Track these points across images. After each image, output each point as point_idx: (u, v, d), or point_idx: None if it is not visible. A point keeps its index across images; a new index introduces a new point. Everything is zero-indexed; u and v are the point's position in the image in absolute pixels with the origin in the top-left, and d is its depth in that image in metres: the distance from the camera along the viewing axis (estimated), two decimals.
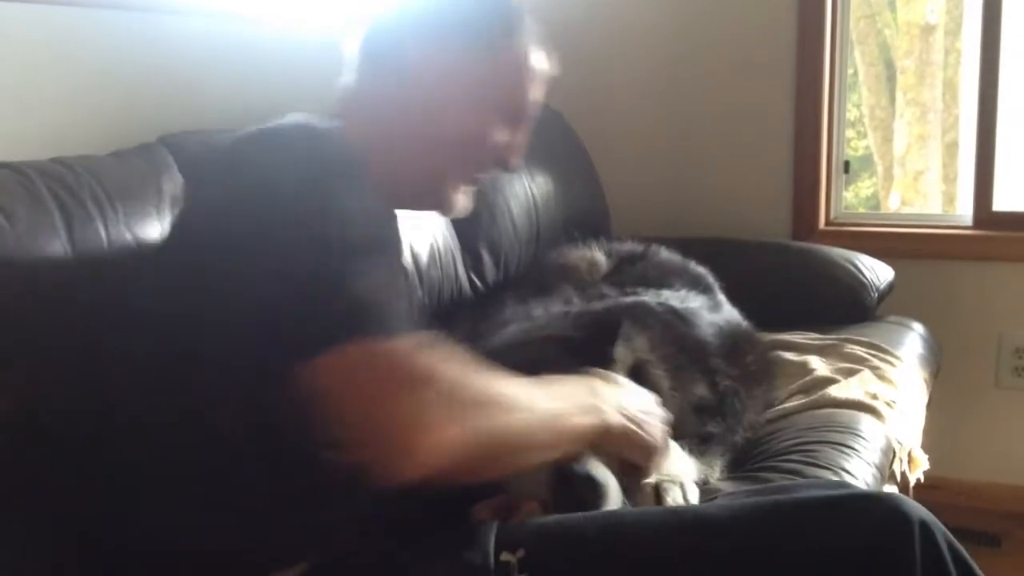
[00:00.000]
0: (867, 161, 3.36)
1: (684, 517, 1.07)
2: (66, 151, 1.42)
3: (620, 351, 1.35)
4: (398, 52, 1.26)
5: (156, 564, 1.07)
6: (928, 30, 3.31)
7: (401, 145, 1.23)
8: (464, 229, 2.11)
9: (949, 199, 3.21)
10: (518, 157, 1.33)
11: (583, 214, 2.55)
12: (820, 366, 1.98)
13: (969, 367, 2.62)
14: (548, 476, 1.15)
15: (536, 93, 1.31)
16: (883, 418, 1.77)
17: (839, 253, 2.43)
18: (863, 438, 1.65)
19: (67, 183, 1.32)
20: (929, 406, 2.16)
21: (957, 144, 3.11)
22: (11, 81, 1.51)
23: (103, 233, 1.31)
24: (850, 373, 1.94)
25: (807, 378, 1.92)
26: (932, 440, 2.08)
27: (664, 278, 1.88)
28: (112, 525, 1.13)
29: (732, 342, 1.68)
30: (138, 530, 1.09)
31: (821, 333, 2.20)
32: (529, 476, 1.16)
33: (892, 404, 1.84)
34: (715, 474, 1.48)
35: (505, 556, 1.00)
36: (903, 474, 1.79)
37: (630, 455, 1.22)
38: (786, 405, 1.81)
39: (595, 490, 1.14)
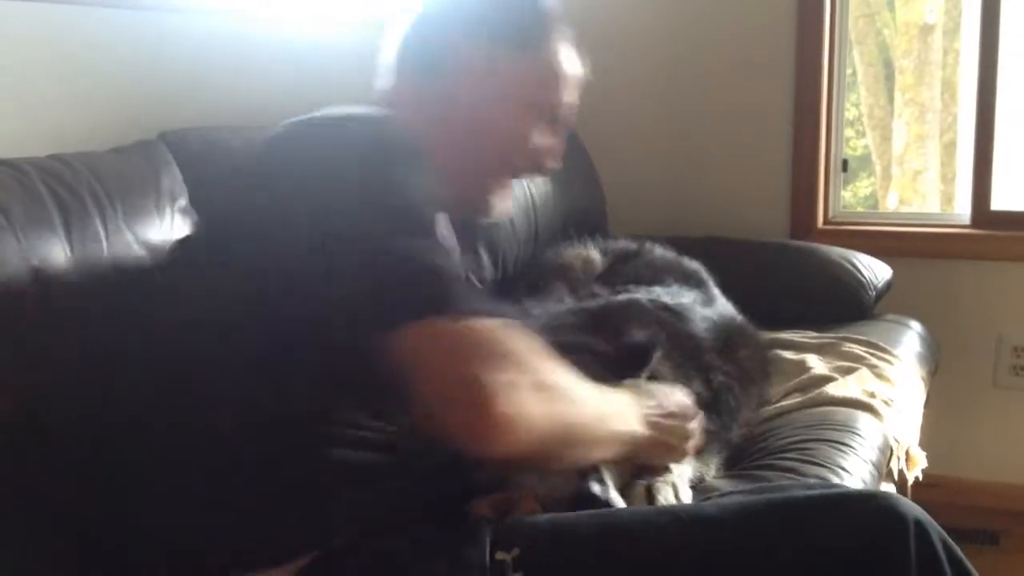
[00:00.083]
0: (865, 160, 3.36)
1: (679, 516, 1.08)
2: (66, 149, 1.42)
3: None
4: (437, 56, 1.28)
5: (156, 563, 1.08)
6: (927, 30, 3.31)
7: (441, 148, 1.23)
8: (461, 229, 2.11)
9: (947, 198, 3.21)
10: (555, 159, 1.35)
11: (582, 213, 2.55)
12: (818, 364, 1.98)
13: (967, 366, 2.63)
14: (567, 493, 1.16)
15: (572, 95, 1.33)
16: (881, 416, 1.77)
17: (837, 252, 2.44)
18: (860, 436, 1.66)
19: (65, 180, 1.31)
20: (927, 405, 2.17)
21: (955, 143, 3.11)
22: (11, 79, 1.51)
23: (101, 230, 1.31)
24: (848, 371, 1.94)
25: (805, 376, 1.92)
26: (930, 439, 2.09)
27: (657, 275, 1.88)
28: (112, 525, 1.13)
29: (726, 336, 1.68)
30: (138, 530, 1.09)
31: (819, 332, 2.20)
32: (528, 473, 1.17)
33: (890, 402, 1.84)
34: (711, 472, 1.48)
35: (500, 555, 1.00)
36: (901, 472, 1.79)
37: (657, 461, 1.27)
38: (783, 403, 1.81)
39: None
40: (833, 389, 1.84)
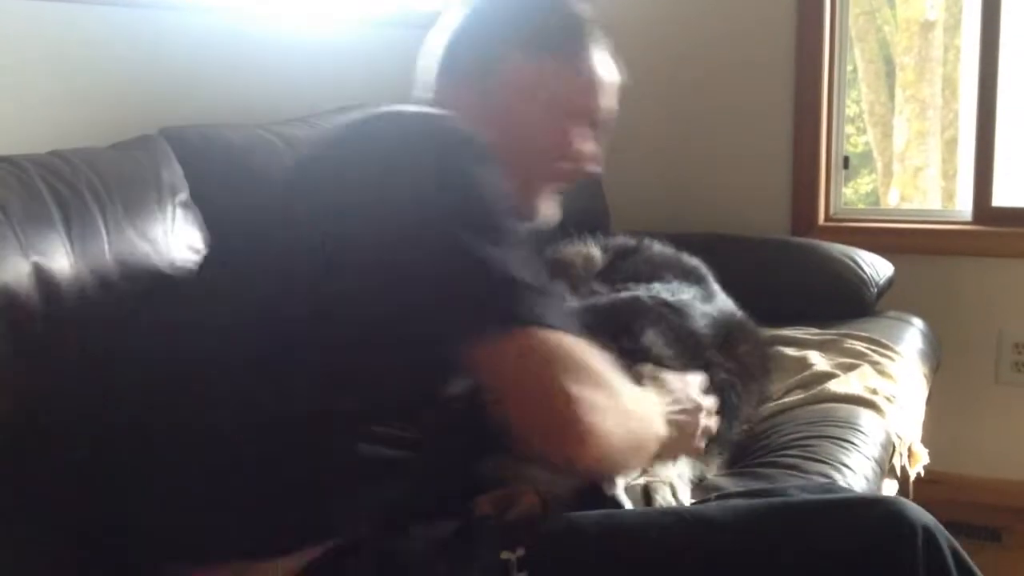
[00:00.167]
0: (866, 157, 3.36)
1: (684, 517, 1.07)
2: (65, 147, 1.42)
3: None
4: (481, 62, 1.29)
5: (156, 563, 1.07)
6: (927, 26, 3.31)
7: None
8: None
9: (948, 195, 3.21)
10: (597, 164, 1.38)
11: (582, 212, 2.54)
12: (820, 361, 1.98)
13: (969, 362, 2.62)
14: (568, 490, 1.16)
15: (611, 101, 1.36)
16: (883, 413, 1.77)
17: (839, 249, 2.43)
18: (863, 433, 1.65)
19: (63, 175, 1.30)
20: (929, 401, 2.16)
21: (956, 140, 3.11)
22: (11, 78, 1.51)
23: (102, 225, 1.30)
24: (850, 368, 1.94)
25: (806, 373, 1.92)
26: (932, 435, 2.09)
27: (656, 271, 1.88)
28: (112, 525, 1.13)
29: (726, 332, 1.68)
30: (138, 530, 1.09)
31: (821, 328, 2.20)
32: (529, 468, 1.16)
33: (892, 399, 1.84)
34: (712, 471, 1.47)
35: (505, 554, 1.00)
36: (903, 469, 1.79)
37: (667, 457, 1.29)
38: (785, 400, 1.81)
39: None
40: (835, 386, 1.84)
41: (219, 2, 1.94)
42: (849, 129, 2.96)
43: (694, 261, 2.01)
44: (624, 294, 1.73)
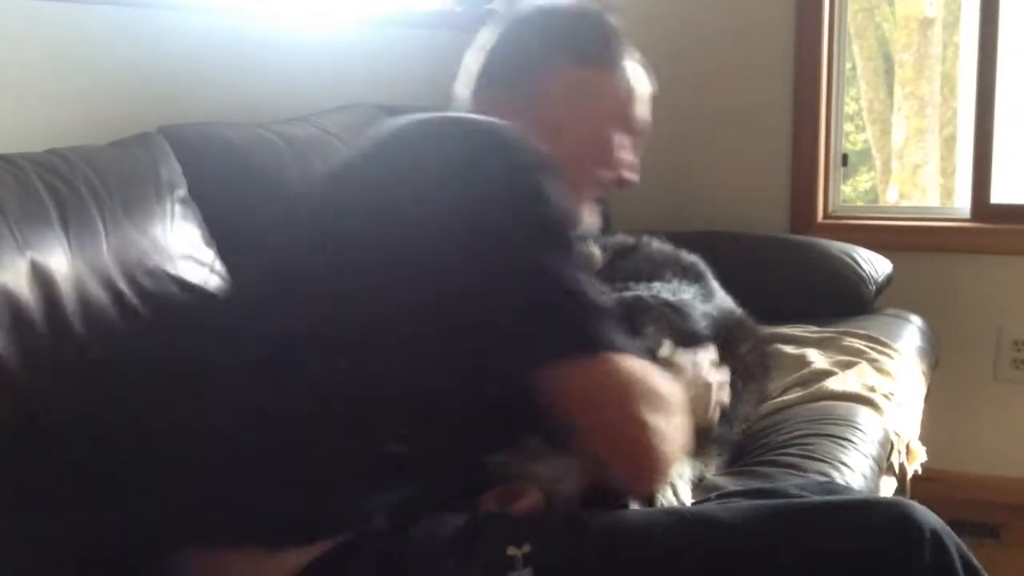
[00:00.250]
0: (865, 154, 3.36)
1: (686, 517, 1.07)
2: (64, 145, 1.41)
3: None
4: (521, 72, 1.33)
5: (156, 563, 1.08)
6: (926, 24, 3.31)
7: None
8: None
9: (947, 192, 3.21)
10: (635, 173, 1.42)
11: None
12: (818, 359, 1.98)
13: (967, 360, 2.63)
14: (574, 487, 1.16)
15: (645, 111, 1.41)
16: (881, 410, 1.77)
17: (837, 246, 2.43)
18: (861, 431, 1.65)
19: (61, 173, 1.30)
20: (927, 399, 2.16)
21: (955, 137, 3.11)
22: (11, 76, 1.51)
23: (100, 221, 1.29)
24: (848, 366, 1.94)
25: (805, 371, 1.92)
26: (930, 432, 2.09)
27: (656, 269, 1.88)
28: (112, 525, 1.13)
29: (726, 331, 1.68)
30: (138, 530, 1.09)
31: (819, 326, 2.20)
32: (533, 467, 1.16)
33: (890, 396, 1.84)
34: (711, 471, 1.48)
35: (511, 550, 1.00)
36: (901, 466, 1.79)
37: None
38: (783, 398, 1.81)
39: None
40: (833, 383, 1.84)
41: (219, 1, 1.93)
42: (848, 127, 2.97)
43: (692, 258, 2.01)
44: (627, 294, 1.72)
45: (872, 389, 1.83)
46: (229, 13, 1.95)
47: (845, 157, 2.79)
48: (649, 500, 1.25)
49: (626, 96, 1.38)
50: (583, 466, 1.15)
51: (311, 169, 1.74)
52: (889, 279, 2.44)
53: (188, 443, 1.07)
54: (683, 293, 1.76)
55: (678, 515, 1.08)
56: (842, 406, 1.75)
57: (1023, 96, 2.67)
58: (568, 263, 1.04)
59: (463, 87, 1.39)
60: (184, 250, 1.41)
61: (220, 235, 1.50)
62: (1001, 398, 2.65)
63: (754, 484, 1.39)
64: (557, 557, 1.01)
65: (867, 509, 1.03)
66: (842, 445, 1.58)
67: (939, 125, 3.28)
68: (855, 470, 1.52)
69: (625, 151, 1.39)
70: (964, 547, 1.00)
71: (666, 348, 1.37)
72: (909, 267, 2.54)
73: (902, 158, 3.35)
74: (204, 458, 1.06)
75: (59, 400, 1.19)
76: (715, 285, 1.92)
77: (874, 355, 2.01)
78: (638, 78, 1.40)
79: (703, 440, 1.41)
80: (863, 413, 1.73)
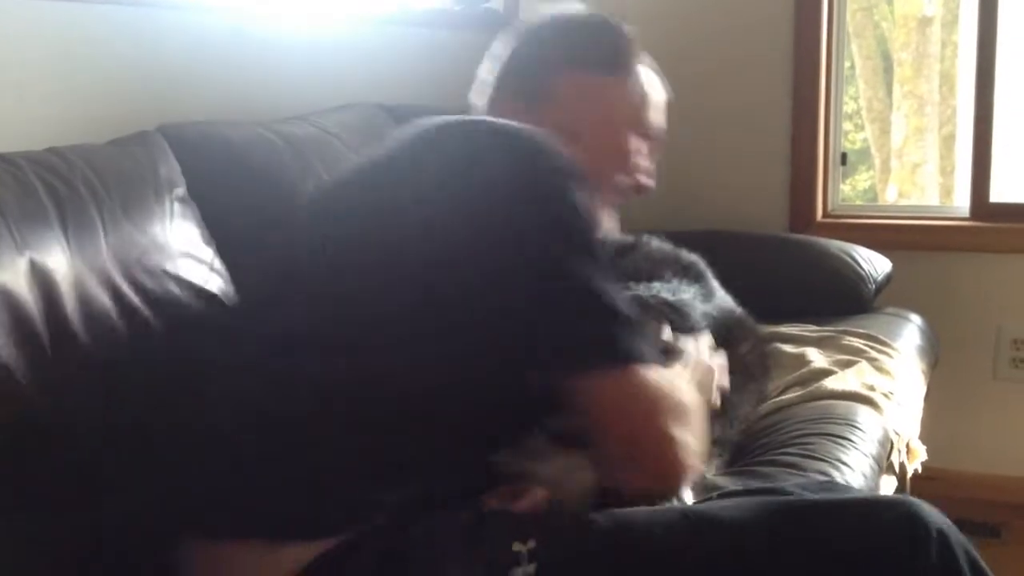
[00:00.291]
0: (864, 153, 3.36)
1: (691, 515, 1.07)
2: (64, 144, 1.41)
3: None
4: (539, 80, 1.35)
5: (156, 563, 1.08)
6: (925, 22, 3.31)
7: None
8: None
9: (946, 191, 3.22)
10: (651, 179, 1.44)
11: None
12: (818, 358, 1.98)
13: (967, 358, 2.63)
14: (583, 486, 1.16)
15: (660, 118, 1.43)
16: (881, 409, 1.77)
17: (836, 245, 2.43)
18: (861, 430, 1.65)
19: (59, 172, 1.30)
20: (927, 397, 2.16)
21: (954, 136, 3.11)
22: (11, 75, 1.51)
23: (98, 220, 1.29)
24: (847, 365, 1.94)
25: (804, 370, 1.92)
26: (930, 431, 2.09)
27: (655, 269, 1.87)
28: (112, 525, 1.13)
29: (726, 332, 1.68)
30: (138, 530, 1.09)
31: (819, 325, 2.20)
32: (537, 467, 1.16)
33: (890, 395, 1.84)
34: (711, 471, 1.47)
35: (516, 546, 1.00)
36: (901, 465, 1.79)
37: None
38: (783, 397, 1.81)
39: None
40: (832, 383, 1.84)
41: (219, 1, 1.93)
42: (847, 125, 2.97)
43: (692, 257, 2.01)
44: (627, 294, 1.72)
45: (872, 388, 1.83)
46: (229, 13, 1.95)
47: (844, 156, 2.79)
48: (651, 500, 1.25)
49: (641, 102, 1.39)
50: (587, 466, 1.15)
51: (311, 168, 1.74)
52: (888, 278, 2.44)
53: (188, 443, 1.07)
54: (683, 293, 1.75)
55: (680, 513, 1.07)
56: (842, 405, 1.75)
57: (1022, 95, 2.68)
58: (598, 271, 1.05)
59: (478, 97, 1.40)
60: (183, 249, 1.41)
61: (219, 234, 1.50)
62: (1000, 397, 2.65)
63: (754, 484, 1.39)
64: (561, 554, 1.01)
65: (873, 508, 1.02)
66: (842, 444, 1.58)
67: (938, 124, 3.28)
68: (855, 469, 1.52)
69: (642, 157, 1.41)
70: (970, 546, 0.99)
71: (667, 332, 1.38)
72: (908, 266, 2.54)
73: (901, 157, 3.36)
74: (204, 458, 1.06)
75: (59, 400, 1.19)
76: (715, 285, 1.92)
77: (874, 354, 2.01)
78: (653, 85, 1.42)
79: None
80: (863, 412, 1.73)
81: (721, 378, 1.38)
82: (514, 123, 1.15)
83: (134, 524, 1.10)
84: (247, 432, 1.05)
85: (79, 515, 1.15)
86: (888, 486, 1.73)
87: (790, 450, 1.55)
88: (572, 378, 1.02)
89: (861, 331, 2.14)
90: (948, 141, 3.18)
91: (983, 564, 0.99)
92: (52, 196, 1.26)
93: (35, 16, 1.55)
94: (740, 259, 2.23)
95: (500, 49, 1.40)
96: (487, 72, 1.40)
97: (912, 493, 1.77)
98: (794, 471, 1.46)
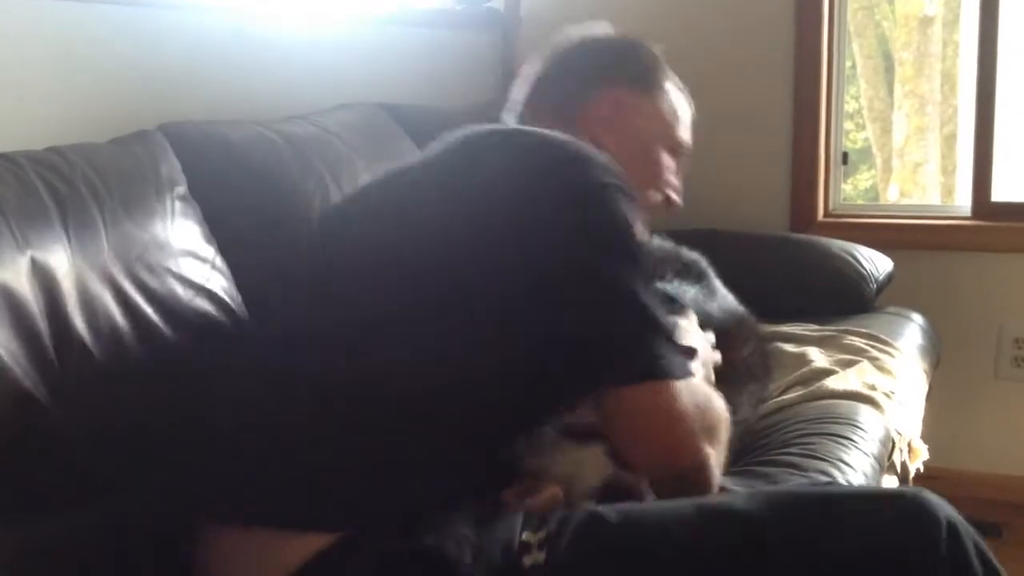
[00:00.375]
0: (866, 153, 3.36)
1: (703, 508, 1.07)
2: (65, 144, 1.41)
3: None
4: (573, 95, 1.37)
5: (156, 563, 1.08)
6: (926, 22, 3.31)
7: None
8: None
9: (948, 190, 3.21)
10: (680, 195, 1.46)
11: None
12: (819, 357, 1.98)
13: (969, 358, 2.62)
14: (595, 482, 1.16)
15: (688, 134, 1.47)
16: (882, 409, 1.77)
17: (838, 245, 2.43)
18: (862, 429, 1.65)
19: (60, 170, 1.30)
20: (929, 397, 2.16)
21: (955, 135, 3.11)
22: (11, 75, 1.51)
23: (99, 219, 1.29)
24: (849, 364, 1.94)
25: (805, 369, 1.92)
26: (932, 431, 2.09)
27: (657, 268, 1.87)
28: (112, 525, 1.13)
29: (727, 331, 1.68)
30: (138, 531, 1.09)
31: (820, 325, 2.19)
32: (550, 464, 1.16)
33: (891, 395, 1.84)
34: None
35: (528, 535, 1.00)
36: (903, 465, 1.79)
37: None
38: (784, 397, 1.81)
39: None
40: (834, 382, 1.84)
41: (218, 2, 1.93)
42: (848, 125, 2.97)
43: (694, 255, 2.01)
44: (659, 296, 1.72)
45: (873, 387, 1.83)
46: (229, 13, 1.95)
47: (845, 155, 2.79)
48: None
49: (673, 118, 1.43)
50: (600, 459, 1.15)
51: (311, 167, 1.74)
52: (890, 277, 2.43)
53: (189, 443, 1.07)
54: (684, 294, 1.75)
55: (694, 506, 1.07)
56: (843, 405, 1.74)
57: (1023, 94, 2.67)
58: (641, 281, 1.06)
59: (510, 116, 1.42)
60: (184, 247, 1.41)
61: (220, 232, 1.50)
62: (1002, 396, 2.65)
63: (755, 484, 1.39)
64: (575, 546, 1.01)
65: (881, 500, 1.02)
66: (843, 444, 1.58)
67: (939, 123, 3.28)
68: (856, 469, 1.51)
69: (671, 173, 1.43)
70: (979, 538, 0.99)
71: (693, 321, 1.42)
72: (910, 265, 2.53)
73: (902, 156, 3.35)
74: (205, 458, 1.06)
75: (60, 399, 1.19)
76: (717, 284, 1.92)
77: (875, 353, 2.01)
78: (682, 102, 1.46)
79: None
80: (864, 412, 1.73)
81: (713, 354, 1.40)
82: (560, 134, 1.16)
83: (134, 524, 1.10)
84: (247, 432, 1.05)
85: (79, 515, 1.15)
86: (889, 485, 1.72)
87: (791, 450, 1.55)
88: (609, 387, 1.04)
89: (863, 330, 2.14)
90: (949, 140, 3.18)
91: (991, 555, 0.99)
92: (53, 195, 1.26)
93: (35, 16, 1.55)
94: (741, 259, 2.23)
95: (531, 69, 1.44)
96: (518, 92, 1.43)
97: None
98: (795, 471, 1.46)
